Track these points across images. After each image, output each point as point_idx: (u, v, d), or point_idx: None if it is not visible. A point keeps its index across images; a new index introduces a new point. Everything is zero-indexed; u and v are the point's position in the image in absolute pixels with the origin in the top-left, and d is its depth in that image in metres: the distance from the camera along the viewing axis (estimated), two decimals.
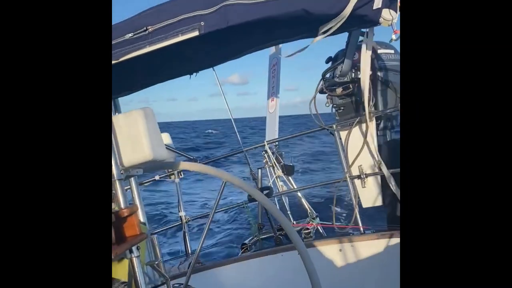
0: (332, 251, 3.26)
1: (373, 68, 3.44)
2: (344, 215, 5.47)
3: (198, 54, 2.27)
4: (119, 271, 1.56)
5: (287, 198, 4.43)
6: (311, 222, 3.85)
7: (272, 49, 5.39)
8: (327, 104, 3.74)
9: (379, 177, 3.53)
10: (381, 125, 3.61)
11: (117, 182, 1.63)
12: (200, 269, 3.34)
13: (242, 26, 1.74)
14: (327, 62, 3.67)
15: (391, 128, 3.67)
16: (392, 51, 3.63)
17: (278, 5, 1.72)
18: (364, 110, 3.36)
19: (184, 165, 2.62)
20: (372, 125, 3.42)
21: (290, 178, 4.27)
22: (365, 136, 3.43)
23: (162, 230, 4.88)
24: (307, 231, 3.73)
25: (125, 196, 1.67)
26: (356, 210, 3.49)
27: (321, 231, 3.88)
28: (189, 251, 3.92)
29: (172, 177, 4.03)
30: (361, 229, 3.44)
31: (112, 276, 1.56)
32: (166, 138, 3.76)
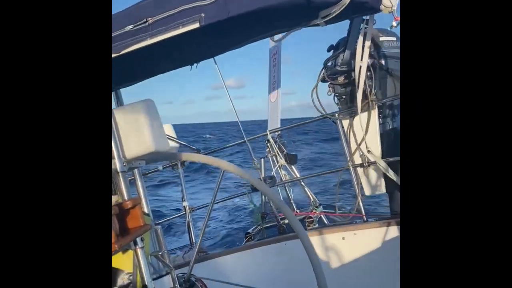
0: (335, 240, 3.28)
1: (374, 56, 3.43)
2: (347, 203, 5.49)
3: (199, 45, 2.26)
4: (124, 262, 1.58)
5: (290, 187, 4.44)
6: (314, 211, 3.87)
7: (272, 42, 5.37)
8: (329, 93, 3.72)
9: None
10: (383, 113, 3.60)
11: (120, 174, 1.64)
12: (204, 259, 3.37)
13: (242, 16, 1.73)
14: (328, 50, 3.65)
15: (393, 116, 3.67)
16: (394, 39, 3.61)
17: None
18: (366, 98, 3.35)
19: (187, 156, 2.63)
20: (374, 113, 3.42)
21: (293, 167, 4.28)
22: (366, 124, 3.42)
23: (166, 220, 4.92)
24: (310, 219, 3.75)
25: (128, 188, 1.68)
26: (359, 199, 3.50)
27: (324, 219, 3.90)
28: (193, 241, 3.95)
29: (175, 167, 4.05)
30: (364, 217, 3.45)
31: (118, 267, 1.58)
32: (168, 129, 3.77)
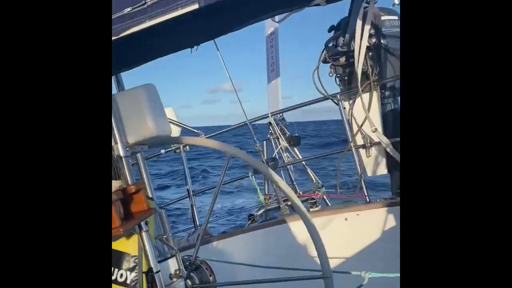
0: (338, 220, 3.30)
1: (376, 36, 3.40)
2: (350, 184, 5.51)
3: (199, 26, 2.24)
4: (129, 246, 1.59)
5: (292, 169, 4.45)
6: (317, 192, 3.89)
7: (268, 31, 5.31)
8: (331, 74, 3.70)
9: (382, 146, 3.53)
10: (385, 93, 3.58)
11: (123, 159, 1.64)
12: (208, 241, 3.40)
13: None
14: (329, 31, 3.61)
15: (394, 96, 3.65)
16: (396, 17, 3.56)
17: None
18: (367, 79, 3.33)
19: (189, 139, 2.64)
20: (376, 94, 3.40)
21: (295, 149, 4.28)
22: (368, 105, 3.41)
23: (169, 204, 4.96)
24: (312, 201, 3.77)
25: (132, 173, 1.68)
26: (361, 179, 3.52)
27: (326, 200, 3.92)
28: (197, 223, 3.98)
29: (178, 151, 4.06)
30: (367, 198, 3.47)
31: (123, 251, 1.59)
32: (170, 113, 3.77)
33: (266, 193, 4.28)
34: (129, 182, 1.64)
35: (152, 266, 1.61)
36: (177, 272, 1.86)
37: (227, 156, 2.10)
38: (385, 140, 3.34)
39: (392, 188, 3.67)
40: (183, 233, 4.15)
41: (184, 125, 4.08)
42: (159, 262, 1.69)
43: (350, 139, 3.57)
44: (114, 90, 2.08)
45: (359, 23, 3.07)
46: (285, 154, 4.23)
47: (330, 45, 3.59)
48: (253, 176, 4.15)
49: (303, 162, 4.25)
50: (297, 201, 2.11)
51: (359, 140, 3.56)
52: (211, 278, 2.20)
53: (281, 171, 4.31)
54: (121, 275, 1.57)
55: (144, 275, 1.59)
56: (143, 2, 1.77)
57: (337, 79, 3.69)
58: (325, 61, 3.66)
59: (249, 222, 3.98)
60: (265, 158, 4.13)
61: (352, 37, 3.32)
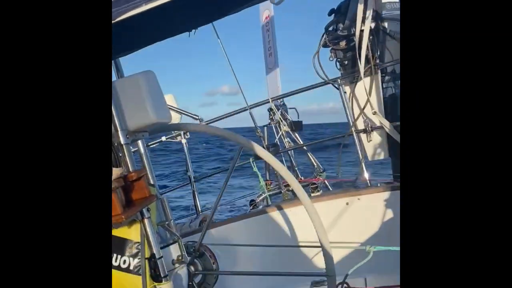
0: (339, 205, 3.31)
1: (377, 19, 3.36)
2: (350, 169, 5.52)
3: (196, 9, 2.23)
4: (132, 232, 1.60)
5: (293, 154, 4.45)
6: (318, 177, 3.89)
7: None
8: (331, 58, 3.67)
9: (384, 130, 3.52)
10: (386, 77, 3.56)
11: (124, 146, 1.64)
12: (211, 226, 3.42)
13: None
14: (329, 14, 3.58)
15: (395, 80, 3.63)
16: (397, 0, 3.53)
17: None
18: (368, 63, 3.31)
19: (190, 126, 2.63)
20: (377, 78, 3.38)
21: (296, 134, 4.27)
22: (369, 89, 3.40)
23: (171, 190, 4.97)
24: (314, 186, 3.77)
25: (133, 160, 1.69)
26: (362, 164, 3.52)
27: (328, 185, 3.92)
28: (199, 210, 4.00)
29: (178, 138, 4.06)
30: (368, 182, 3.47)
31: (126, 237, 1.61)
32: (170, 99, 3.76)
33: (267, 179, 4.29)
34: (130, 169, 1.65)
35: (154, 252, 1.62)
36: (180, 257, 1.88)
37: (239, 147, 2.10)
38: (385, 123, 3.32)
39: (393, 173, 3.67)
40: (184, 220, 4.17)
41: (184, 111, 4.08)
42: (161, 248, 1.70)
43: (351, 124, 3.56)
44: (113, 78, 2.07)
45: (360, 6, 3.03)
46: (286, 140, 4.23)
47: (330, 29, 3.56)
48: (253, 162, 4.15)
49: (305, 147, 4.25)
50: (297, 185, 2.12)
51: (360, 125, 3.55)
52: (214, 266, 2.23)
53: (282, 157, 4.31)
54: (124, 261, 1.59)
55: (147, 261, 1.60)
56: None
57: (338, 64, 3.66)
58: (325, 45, 3.62)
59: (251, 208, 3.99)
60: (266, 143, 4.13)
61: (353, 20, 3.29)
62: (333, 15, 3.55)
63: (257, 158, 3.80)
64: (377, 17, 3.38)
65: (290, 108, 4.48)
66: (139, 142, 2.02)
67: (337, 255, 2.96)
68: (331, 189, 3.91)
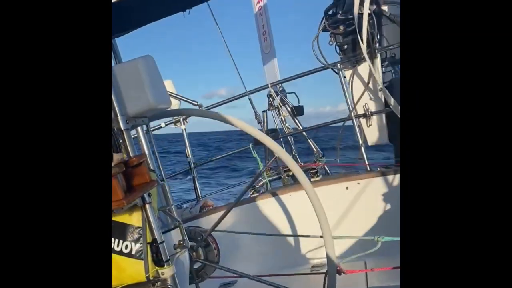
0: (339, 189, 3.32)
1: (377, 1, 3.33)
2: (350, 153, 5.52)
3: None
4: (133, 217, 1.61)
5: (293, 139, 4.45)
6: (317, 162, 3.90)
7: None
8: (330, 43, 3.65)
9: (384, 115, 3.52)
10: (385, 62, 3.54)
11: (124, 132, 1.64)
12: (211, 212, 3.43)
13: None
14: None
15: (394, 64, 3.61)
16: None
17: None
18: (368, 47, 3.28)
19: (189, 111, 2.63)
20: (377, 62, 3.36)
21: (296, 119, 4.26)
22: (369, 73, 3.38)
23: (171, 176, 4.98)
24: (313, 171, 3.78)
25: (133, 145, 1.68)
26: (362, 148, 3.52)
27: (327, 170, 3.93)
28: (199, 195, 4.01)
29: (178, 124, 4.05)
30: (367, 166, 3.48)
31: (127, 223, 1.61)
32: (169, 85, 3.74)
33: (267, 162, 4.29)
34: (131, 155, 1.64)
35: (156, 237, 1.63)
36: (181, 242, 1.89)
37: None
38: (390, 99, 3.28)
39: (396, 156, 3.68)
40: (185, 205, 4.19)
41: (183, 97, 4.06)
42: (163, 233, 1.71)
43: (351, 108, 3.55)
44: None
45: None
46: (286, 125, 4.22)
47: (330, 12, 3.53)
48: (253, 148, 4.16)
49: (304, 133, 4.24)
50: (298, 170, 2.12)
51: (360, 110, 3.55)
52: (216, 259, 2.26)
53: (282, 142, 4.30)
54: (126, 246, 1.59)
55: (148, 245, 1.61)
56: None
57: (337, 48, 3.64)
58: (324, 30, 3.60)
59: (251, 193, 4.01)
60: (266, 129, 4.12)
61: (352, 3, 3.26)
62: None
63: (257, 143, 3.80)
64: (377, 0, 3.35)
65: (289, 93, 4.45)
66: (139, 128, 2.02)
67: (342, 241, 2.98)
68: (331, 173, 3.92)
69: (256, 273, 2.65)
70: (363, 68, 3.48)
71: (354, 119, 3.55)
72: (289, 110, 4.18)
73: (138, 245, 1.59)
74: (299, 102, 4.36)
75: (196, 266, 2.30)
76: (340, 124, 3.68)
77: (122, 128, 1.63)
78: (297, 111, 4.21)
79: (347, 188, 3.31)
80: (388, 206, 3.16)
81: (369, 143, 3.59)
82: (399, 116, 3.25)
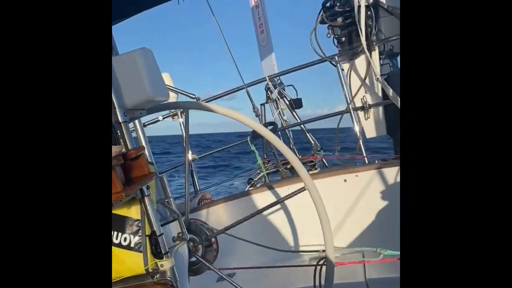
0: (337, 182, 3.32)
1: None
2: (348, 146, 5.53)
3: None
4: (132, 210, 1.60)
5: (291, 132, 4.45)
6: (315, 155, 3.90)
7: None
8: (328, 35, 3.64)
9: (381, 107, 3.52)
10: (384, 54, 3.54)
11: (122, 124, 1.63)
12: (210, 205, 3.44)
13: None
14: None
15: (392, 57, 3.61)
16: None
17: None
18: (367, 39, 3.27)
19: (187, 104, 2.62)
20: (375, 54, 3.36)
21: (294, 112, 4.26)
22: (367, 66, 3.37)
23: (169, 169, 4.97)
24: (311, 163, 3.79)
25: (131, 138, 1.68)
26: (360, 141, 3.52)
27: (325, 163, 3.93)
28: (197, 188, 4.01)
29: (175, 117, 4.04)
30: (365, 159, 3.48)
31: (126, 215, 1.61)
32: (166, 78, 3.72)
33: (265, 157, 4.30)
34: (129, 147, 1.64)
35: (155, 229, 1.62)
36: (180, 235, 1.89)
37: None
38: (389, 91, 3.28)
39: (395, 150, 3.68)
40: (184, 198, 4.18)
41: (180, 90, 4.04)
42: (161, 225, 1.71)
43: (349, 101, 3.55)
44: None
45: None
46: (284, 117, 4.22)
47: (328, 5, 3.51)
48: (251, 141, 4.16)
49: (302, 125, 4.24)
50: (298, 162, 2.12)
51: (358, 103, 3.54)
52: (212, 260, 2.28)
53: (280, 135, 4.30)
54: (125, 239, 1.59)
55: (147, 238, 1.61)
56: None
57: (335, 40, 3.63)
58: (322, 22, 3.59)
59: (249, 186, 4.01)
60: (264, 121, 4.12)
61: None
62: None
63: (255, 136, 3.80)
64: None
65: (287, 86, 4.44)
66: (136, 121, 2.01)
67: (341, 234, 2.98)
68: (329, 166, 3.93)
69: (254, 265, 2.66)
70: (361, 61, 3.47)
71: (352, 112, 3.55)
72: (287, 103, 4.17)
73: (137, 238, 1.59)
74: (297, 95, 4.36)
75: (192, 259, 2.31)
76: (338, 119, 3.68)
77: (120, 121, 1.63)
78: (296, 104, 4.20)
79: (345, 180, 3.32)
80: (386, 199, 3.17)
81: (367, 136, 3.60)
82: (399, 107, 3.25)
